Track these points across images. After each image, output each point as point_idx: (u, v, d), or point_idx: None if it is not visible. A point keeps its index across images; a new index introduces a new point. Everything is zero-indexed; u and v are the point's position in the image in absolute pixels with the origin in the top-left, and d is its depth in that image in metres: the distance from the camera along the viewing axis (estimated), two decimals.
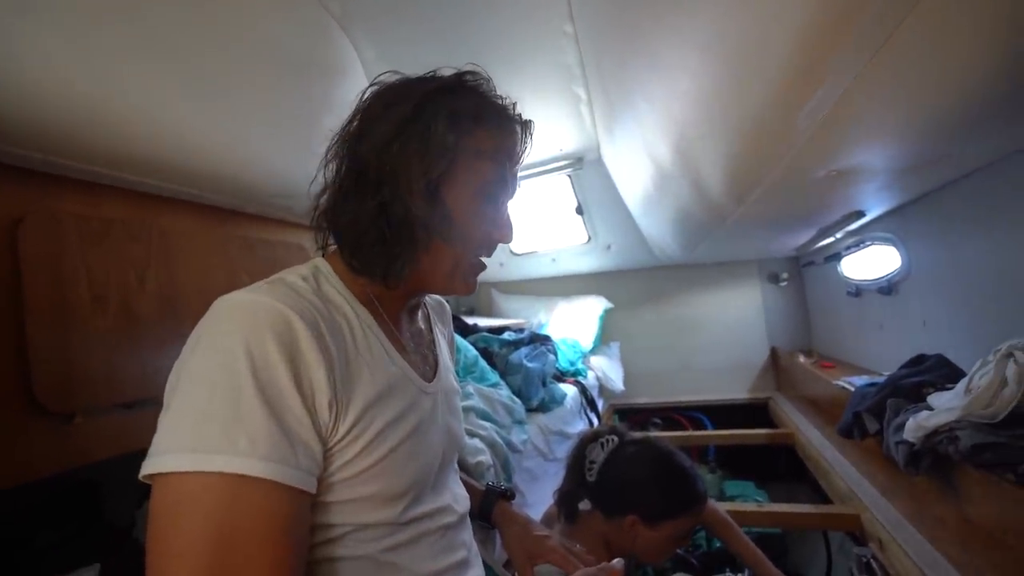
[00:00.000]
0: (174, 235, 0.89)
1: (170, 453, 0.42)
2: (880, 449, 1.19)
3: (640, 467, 1.09)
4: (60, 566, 0.77)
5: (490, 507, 0.87)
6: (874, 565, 1.21)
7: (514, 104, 0.64)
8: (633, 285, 3.06)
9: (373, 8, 1.14)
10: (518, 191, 0.68)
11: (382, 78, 0.62)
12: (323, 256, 0.65)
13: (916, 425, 0.99)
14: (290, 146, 1.06)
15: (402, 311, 0.68)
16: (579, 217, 2.62)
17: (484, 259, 0.66)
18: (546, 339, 2.21)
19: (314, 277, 0.58)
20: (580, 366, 2.46)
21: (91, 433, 0.75)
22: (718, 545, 1.69)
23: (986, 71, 0.67)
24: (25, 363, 0.66)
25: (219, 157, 0.89)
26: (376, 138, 0.57)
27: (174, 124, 0.79)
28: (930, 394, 1.09)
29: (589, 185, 2.37)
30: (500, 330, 2.31)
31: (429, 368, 0.70)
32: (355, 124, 0.60)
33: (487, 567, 0.80)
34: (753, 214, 1.43)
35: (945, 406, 0.95)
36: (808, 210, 1.51)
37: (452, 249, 0.61)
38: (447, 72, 0.62)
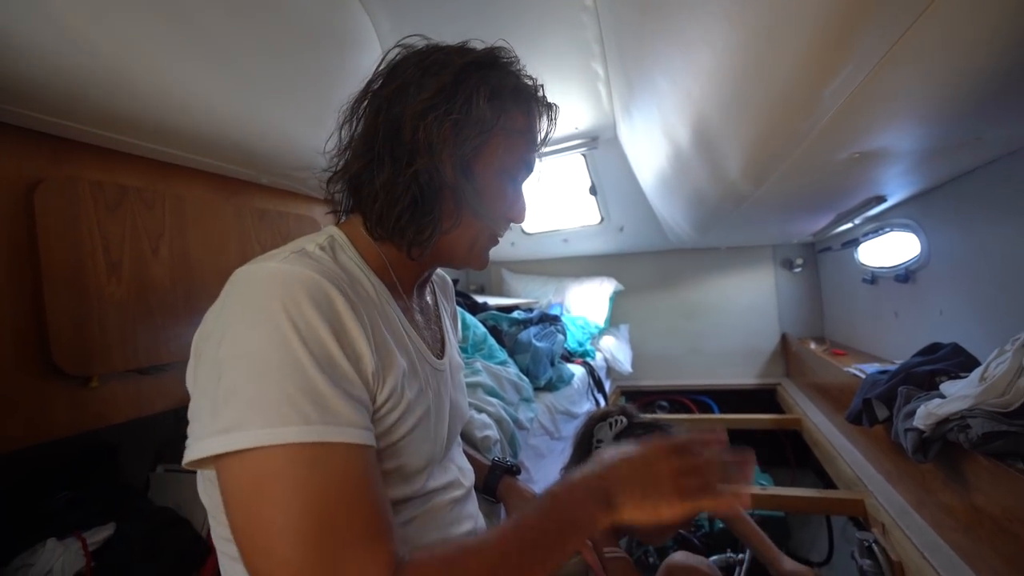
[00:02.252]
0: (188, 204, 0.89)
1: (240, 430, 0.42)
2: (888, 436, 1.19)
3: None
4: (78, 524, 0.80)
5: (496, 482, 0.89)
6: (876, 549, 1.22)
7: (542, 86, 0.64)
8: (645, 268, 3.04)
9: None
10: (536, 173, 0.67)
11: (408, 41, 0.61)
12: (338, 222, 0.64)
13: (927, 412, 0.98)
14: (305, 118, 1.05)
15: (415, 284, 0.68)
16: (592, 197, 2.59)
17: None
18: (555, 319, 2.21)
19: (330, 247, 0.58)
20: (589, 347, 2.46)
21: (107, 397, 0.77)
22: (720, 526, 1.71)
23: (1019, 51, 0.64)
24: (43, 326, 0.67)
25: (234, 127, 0.89)
26: (414, 103, 0.56)
27: (190, 92, 0.79)
28: (943, 382, 1.08)
29: (604, 165, 2.34)
30: (510, 309, 2.31)
31: (437, 344, 0.70)
32: (385, 85, 0.59)
33: None
34: (771, 197, 1.40)
35: (958, 394, 0.94)
36: (827, 194, 1.48)
37: (477, 223, 0.61)
38: (477, 45, 0.61)
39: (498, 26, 1.32)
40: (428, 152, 0.55)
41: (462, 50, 0.60)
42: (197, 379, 0.47)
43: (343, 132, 0.61)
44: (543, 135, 0.65)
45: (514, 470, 0.91)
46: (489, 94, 0.57)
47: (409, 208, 0.56)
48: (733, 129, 1.01)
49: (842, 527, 1.77)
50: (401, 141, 0.56)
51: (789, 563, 1.18)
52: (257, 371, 0.43)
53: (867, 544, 1.25)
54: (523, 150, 0.62)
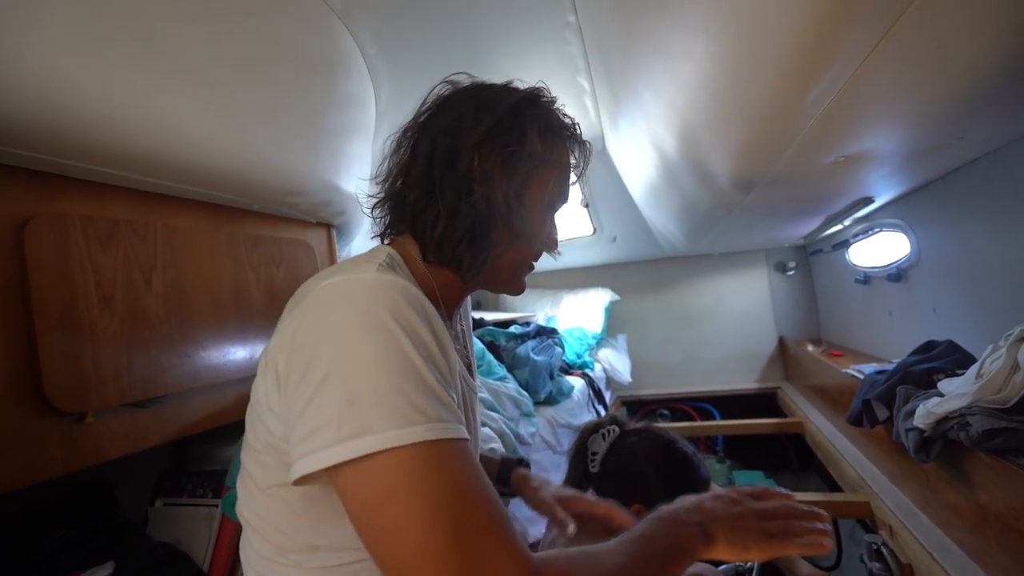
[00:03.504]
0: (180, 234, 0.89)
1: (368, 435, 0.41)
2: (890, 437, 1.19)
3: (642, 457, 1.09)
4: (75, 564, 0.78)
5: (508, 474, 0.88)
6: (884, 552, 1.21)
7: (577, 124, 0.69)
8: (639, 277, 3.05)
9: (374, 2, 1.13)
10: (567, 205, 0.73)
11: (454, 77, 0.66)
12: (382, 242, 0.68)
13: (926, 412, 0.98)
14: (294, 143, 1.05)
15: (458, 306, 0.72)
16: (584, 209, 2.60)
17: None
18: (553, 332, 2.21)
19: (390, 264, 0.59)
20: (587, 358, 2.46)
21: (103, 432, 0.76)
22: None
23: (999, 51, 0.66)
24: (35, 364, 0.66)
25: (224, 155, 0.89)
26: (472, 135, 0.59)
27: (178, 122, 0.79)
28: (940, 380, 1.08)
29: (594, 177, 2.36)
30: (506, 324, 2.31)
31: (467, 366, 0.73)
32: (436, 117, 0.63)
33: None
34: (760, 203, 1.42)
35: (956, 392, 0.94)
36: (816, 197, 1.49)
37: (525, 250, 0.66)
38: (520, 85, 0.66)
39: (484, 46, 1.34)
40: (485, 181, 0.60)
41: (509, 88, 0.65)
42: (290, 393, 0.47)
43: (391, 161, 0.65)
44: (580, 170, 0.71)
45: (524, 463, 0.91)
46: (541, 129, 0.62)
47: (468, 234, 0.60)
48: (719, 138, 1.03)
49: (850, 530, 1.76)
50: (458, 171, 0.60)
51: (806, 567, 1.17)
52: (376, 375, 0.43)
53: (876, 547, 1.24)
54: (564, 183, 0.68)
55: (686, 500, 0.59)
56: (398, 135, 0.66)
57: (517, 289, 0.71)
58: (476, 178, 0.60)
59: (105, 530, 0.89)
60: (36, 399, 0.67)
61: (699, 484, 1.08)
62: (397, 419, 0.42)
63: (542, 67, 1.46)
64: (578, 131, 0.69)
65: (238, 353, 0.97)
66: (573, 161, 0.69)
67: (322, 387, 0.44)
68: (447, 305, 0.67)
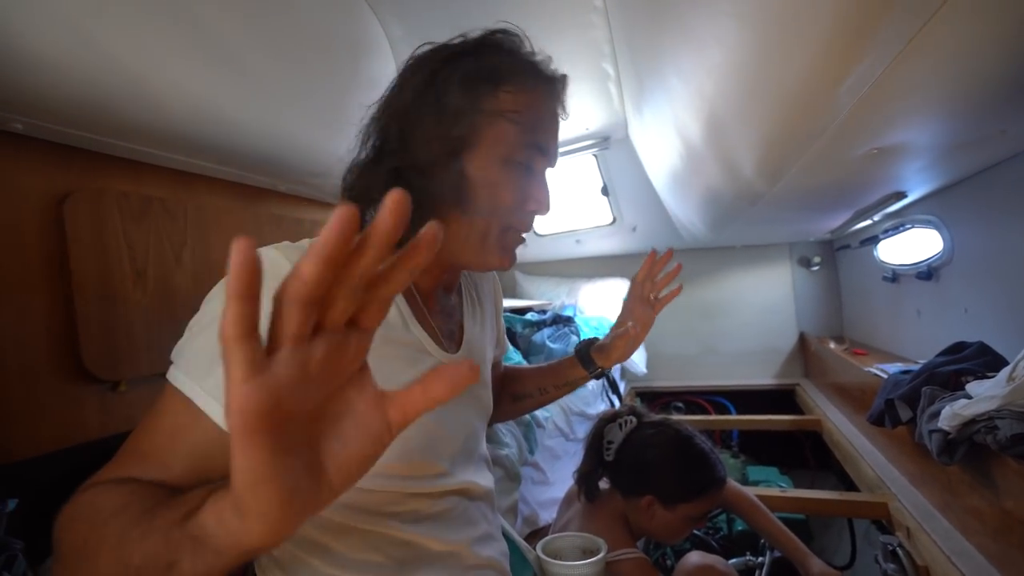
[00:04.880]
0: (209, 213, 0.91)
1: (172, 367, 0.49)
2: (911, 438, 1.16)
3: (657, 449, 1.09)
4: None
5: (586, 352, 0.91)
6: (900, 553, 1.19)
7: (548, 59, 0.59)
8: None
9: None
10: (556, 157, 0.63)
11: (417, 51, 0.61)
12: None
13: (952, 414, 0.96)
14: (319, 125, 1.07)
15: (436, 285, 0.67)
16: (604, 198, 2.58)
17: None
18: (569, 320, 2.21)
19: None
20: None
21: (135, 400, 0.79)
22: (740, 528, 1.69)
23: None
24: (74, 333, 0.69)
25: (252, 136, 0.91)
26: (395, 107, 0.57)
27: (210, 103, 0.81)
28: (969, 382, 1.05)
29: (615, 165, 2.33)
30: (523, 311, 2.32)
31: (453, 341, 0.69)
32: (389, 90, 0.61)
33: (509, 540, 0.82)
34: (786, 194, 1.39)
35: (985, 395, 0.91)
36: (845, 190, 1.45)
37: (477, 220, 0.57)
38: (475, 34, 0.59)
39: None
40: (408, 151, 0.55)
41: (446, 46, 0.59)
42: None
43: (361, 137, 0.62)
44: (552, 112, 0.60)
45: (589, 342, 0.93)
46: (461, 82, 0.54)
47: (416, 215, 0.56)
48: (747, 127, 1.01)
49: (865, 530, 1.74)
50: (386, 144, 0.57)
51: (818, 565, 1.16)
52: (194, 326, 0.50)
53: (891, 548, 1.22)
54: (519, 133, 0.56)
55: None
56: (363, 121, 0.61)
57: (496, 263, 0.61)
58: (400, 148, 0.55)
59: None
60: (74, 366, 0.70)
61: (714, 483, 1.07)
62: (190, 369, 0.48)
63: (566, 52, 1.44)
64: (540, 68, 0.58)
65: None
66: (527, 105, 0.57)
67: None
68: (422, 284, 0.64)
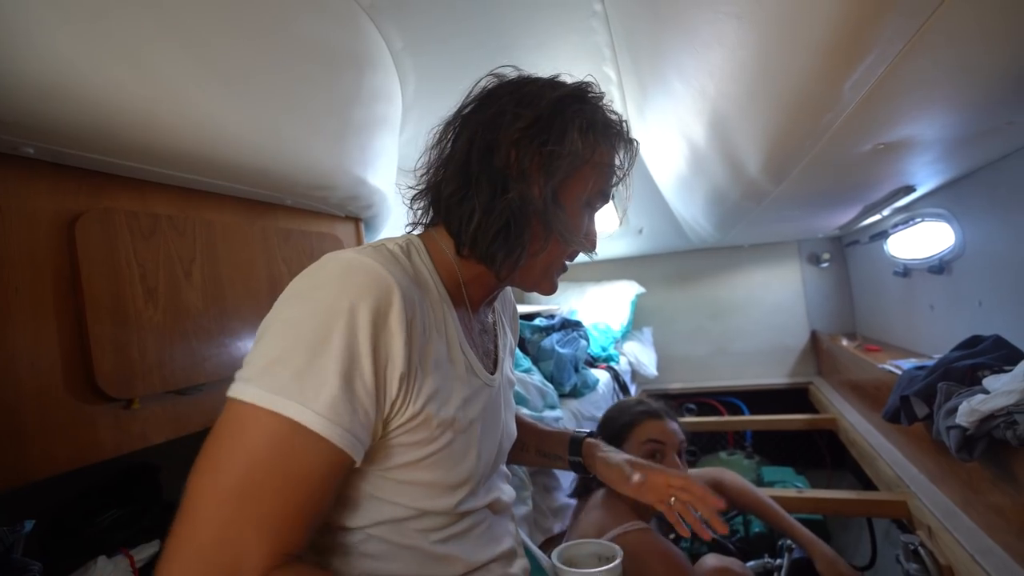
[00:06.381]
0: (217, 229, 0.92)
1: (242, 382, 0.46)
2: (928, 435, 1.14)
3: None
4: (125, 542, 0.82)
5: (579, 445, 0.89)
6: (922, 553, 1.17)
7: (625, 122, 0.67)
8: (666, 269, 3.00)
9: None
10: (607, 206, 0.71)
11: (500, 70, 0.65)
12: (414, 232, 0.67)
13: (970, 409, 0.94)
14: (324, 138, 1.07)
15: (484, 302, 0.70)
16: (610, 201, 2.57)
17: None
18: (577, 324, 2.20)
19: (407, 247, 0.60)
20: (612, 351, 2.44)
21: (148, 418, 0.79)
22: (757, 530, 1.67)
23: None
24: (87, 352, 0.70)
25: (257, 152, 0.92)
26: (511, 131, 0.58)
27: (215, 122, 0.82)
28: (986, 377, 1.03)
29: None
30: (531, 316, 2.31)
31: (491, 360, 0.71)
32: (479, 111, 0.62)
33: (526, 550, 0.81)
34: (793, 192, 1.38)
35: (1003, 389, 0.90)
36: (853, 186, 1.44)
37: (560, 248, 0.64)
38: (567, 79, 0.64)
39: (510, 39, 1.33)
40: (522, 178, 0.58)
41: (554, 83, 0.63)
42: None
43: (432, 153, 0.64)
44: (622, 169, 0.68)
45: (593, 434, 0.92)
46: (583, 127, 0.60)
47: (502, 231, 0.59)
48: (751, 126, 1.00)
49: (885, 530, 1.71)
50: (495, 166, 0.59)
51: (840, 565, 1.15)
52: (289, 342, 0.46)
53: (913, 547, 1.20)
54: (604, 183, 0.66)
55: None
56: (440, 127, 0.65)
57: (547, 289, 0.69)
58: (513, 175, 0.58)
59: (151, 511, 0.93)
60: (88, 386, 0.71)
61: (637, 416, 1.23)
62: (269, 383, 0.45)
63: (568, 57, 1.44)
64: (625, 129, 0.67)
65: None
66: (617, 161, 0.67)
67: (257, 337, 0.49)
68: (473, 299, 0.66)
